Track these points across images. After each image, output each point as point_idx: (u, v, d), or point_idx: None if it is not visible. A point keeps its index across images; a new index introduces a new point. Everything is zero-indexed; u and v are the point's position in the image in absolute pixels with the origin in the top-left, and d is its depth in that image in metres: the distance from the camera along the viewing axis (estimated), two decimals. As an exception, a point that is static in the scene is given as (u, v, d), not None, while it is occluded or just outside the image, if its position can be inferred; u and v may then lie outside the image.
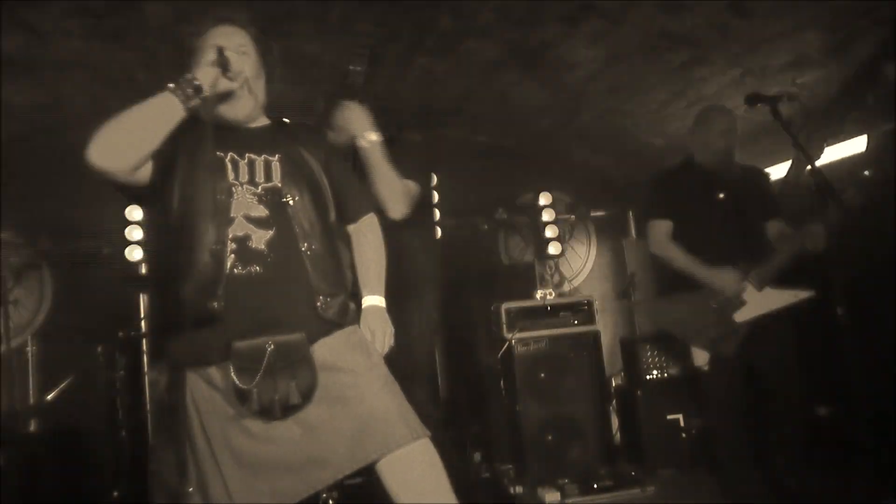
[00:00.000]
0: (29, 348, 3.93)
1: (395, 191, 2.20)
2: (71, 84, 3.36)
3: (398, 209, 2.20)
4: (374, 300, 1.76)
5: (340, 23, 3.07)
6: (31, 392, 3.84)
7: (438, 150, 4.29)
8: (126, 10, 2.77)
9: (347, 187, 1.80)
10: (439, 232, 4.15)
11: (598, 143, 4.75)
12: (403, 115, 4.26)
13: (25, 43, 2.86)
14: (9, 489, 2.88)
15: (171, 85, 1.53)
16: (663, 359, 3.64)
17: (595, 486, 3.14)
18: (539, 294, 3.75)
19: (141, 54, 3.18)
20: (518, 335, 3.56)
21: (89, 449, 3.35)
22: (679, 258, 2.64)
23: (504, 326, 3.57)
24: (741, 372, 2.55)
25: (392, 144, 2.23)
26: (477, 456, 3.75)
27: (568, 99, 4.12)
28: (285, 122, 1.79)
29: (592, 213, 4.87)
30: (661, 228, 2.71)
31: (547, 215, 4.29)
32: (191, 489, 1.55)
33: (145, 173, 1.60)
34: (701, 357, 2.59)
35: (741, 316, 2.53)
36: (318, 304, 1.61)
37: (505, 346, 3.55)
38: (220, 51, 1.57)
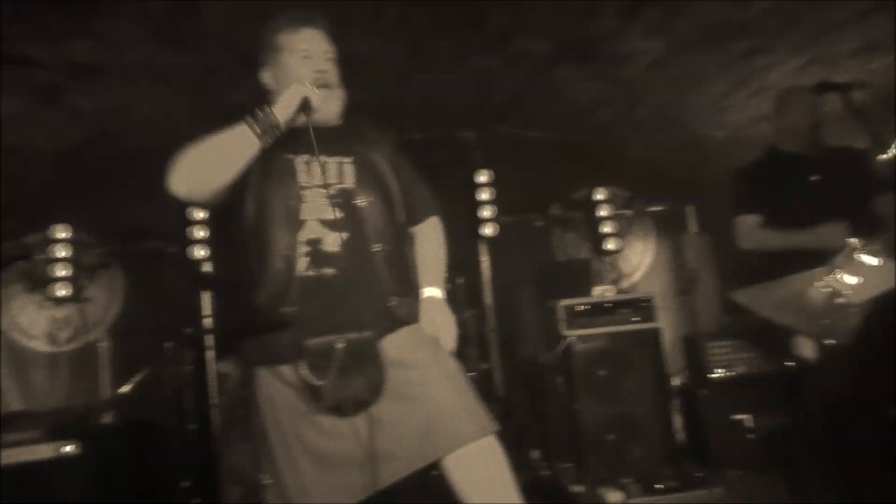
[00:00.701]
0: (102, 344, 4.10)
1: None
2: (136, 89, 3.48)
3: None
4: (432, 292, 1.76)
5: (395, 21, 3.09)
6: (105, 385, 4.02)
7: (492, 146, 4.28)
8: (187, 15, 2.85)
9: (413, 189, 1.81)
10: (496, 228, 4.14)
11: (655, 137, 4.65)
12: (456, 114, 4.28)
13: (93, 49, 2.97)
14: (86, 477, 3.01)
15: (251, 120, 1.54)
16: (728, 357, 3.54)
17: (659, 486, 3.07)
18: (598, 291, 3.69)
19: (201, 58, 3.27)
20: (577, 332, 3.50)
21: (159, 441, 3.48)
22: (774, 237, 2.48)
23: (562, 323, 3.53)
24: (855, 361, 2.28)
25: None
26: (535, 453, 3.72)
27: (624, 92, 4.05)
28: (355, 123, 1.79)
29: (650, 208, 4.76)
30: (750, 222, 2.57)
31: (603, 210, 4.21)
32: (267, 481, 1.58)
33: (223, 193, 1.63)
34: (805, 348, 2.36)
35: (858, 296, 2.27)
36: (391, 304, 1.63)
37: (563, 344, 3.51)
38: (307, 101, 1.58)
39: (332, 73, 1.71)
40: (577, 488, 3.27)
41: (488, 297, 4.01)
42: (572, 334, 3.51)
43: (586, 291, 3.78)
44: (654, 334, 3.58)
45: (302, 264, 1.57)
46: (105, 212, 4.11)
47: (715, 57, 3.45)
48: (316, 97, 1.60)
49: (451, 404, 1.58)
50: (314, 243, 1.59)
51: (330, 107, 1.69)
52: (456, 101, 4.12)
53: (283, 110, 1.56)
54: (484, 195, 4.08)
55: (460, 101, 4.13)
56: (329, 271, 1.58)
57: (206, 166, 1.56)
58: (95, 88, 3.28)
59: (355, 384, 1.54)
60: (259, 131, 1.54)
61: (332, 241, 1.60)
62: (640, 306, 3.61)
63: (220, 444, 2.29)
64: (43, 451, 3.10)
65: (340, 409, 1.55)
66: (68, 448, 3.19)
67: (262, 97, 1.70)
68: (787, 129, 2.61)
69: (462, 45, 3.41)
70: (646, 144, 4.76)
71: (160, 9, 2.74)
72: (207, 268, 3.62)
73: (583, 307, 3.58)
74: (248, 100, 1.63)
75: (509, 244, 4.18)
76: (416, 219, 1.82)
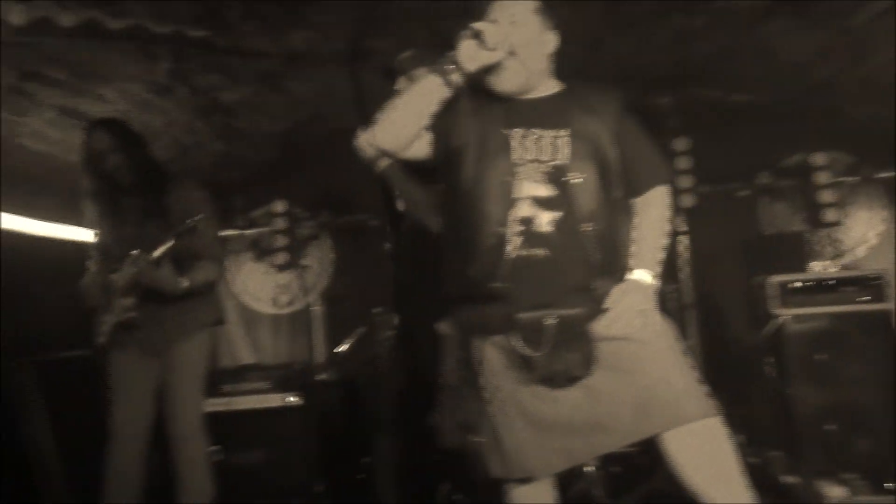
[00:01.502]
0: (316, 307, 4.55)
1: None
2: (343, 73, 3.73)
3: None
4: (638, 273, 1.65)
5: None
6: (318, 345, 4.46)
7: (691, 112, 4.02)
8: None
9: (638, 156, 1.70)
10: (693, 199, 3.91)
11: (886, 94, 4.07)
12: (652, 78, 4.06)
13: (308, 38, 3.23)
14: (305, 425, 3.39)
15: (436, 66, 1.61)
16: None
17: (890, 485, 2.74)
18: (816, 266, 3.34)
19: (400, 40, 3.42)
20: (791, 311, 3.21)
21: (367, 397, 3.80)
22: None
23: (773, 301, 3.25)
24: None
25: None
26: (740, 438, 3.49)
27: (848, 46, 3.58)
28: (575, 88, 1.73)
29: (879, 175, 4.20)
30: None
31: (822, 178, 3.80)
32: (484, 440, 1.65)
33: (422, 149, 1.71)
34: None
35: None
36: (595, 285, 1.60)
37: (774, 324, 3.24)
38: (472, 28, 1.59)
39: (510, 33, 1.61)
40: (790, 479, 3.02)
41: (687, 271, 3.81)
42: (786, 313, 3.22)
43: (799, 267, 3.45)
44: (886, 316, 3.18)
45: (514, 244, 1.58)
46: (317, 188, 4.51)
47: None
48: (492, 32, 1.57)
49: (670, 381, 1.53)
50: (527, 222, 1.59)
51: (513, 72, 1.64)
52: (652, 64, 3.91)
53: (460, 51, 1.59)
54: (682, 164, 3.86)
55: (657, 64, 3.91)
56: (540, 252, 1.58)
57: (399, 117, 1.65)
58: (310, 74, 3.57)
59: (566, 359, 1.54)
60: (442, 73, 1.59)
61: (545, 221, 1.59)
62: (869, 284, 3.22)
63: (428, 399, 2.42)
64: (272, 400, 3.51)
65: (553, 381, 1.56)
66: (292, 399, 3.58)
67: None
68: None
69: (661, 5, 3.21)
70: (875, 103, 4.18)
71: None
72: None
73: (799, 284, 3.26)
74: None
75: (710, 215, 3.93)
76: (638, 189, 1.71)
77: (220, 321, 2.77)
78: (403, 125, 1.65)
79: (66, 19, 2.28)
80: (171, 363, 2.58)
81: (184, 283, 2.49)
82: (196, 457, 2.59)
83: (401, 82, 2.47)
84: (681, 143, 3.93)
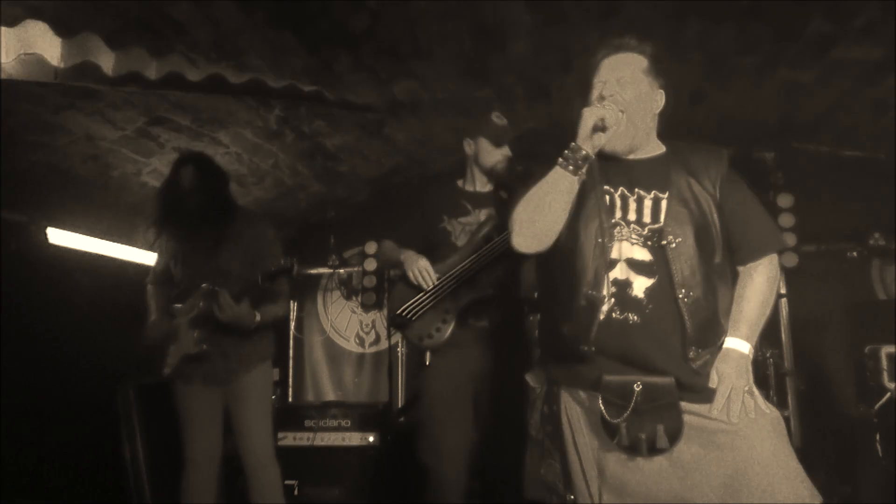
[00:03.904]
0: (401, 349, 4.59)
1: None
2: (442, 120, 3.84)
3: None
4: (734, 343, 1.58)
5: (696, 40, 2.96)
6: (398, 386, 4.50)
7: (797, 167, 3.86)
8: (491, 50, 3.06)
9: (745, 223, 1.63)
10: (796, 259, 3.72)
11: None
12: (756, 132, 3.95)
13: (411, 89, 3.35)
14: (377, 466, 3.42)
15: (561, 160, 1.57)
16: None
17: None
18: (936, 338, 3.10)
19: (499, 89, 3.49)
20: (905, 386, 2.98)
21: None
22: None
23: (885, 374, 3.03)
24: None
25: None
26: (845, 522, 3.23)
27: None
28: (679, 148, 1.70)
29: None
30: None
31: (944, 242, 3.54)
32: (571, 497, 1.62)
33: None
34: None
35: None
36: (691, 354, 1.54)
37: (886, 398, 3.01)
38: (600, 121, 1.55)
39: (619, 97, 1.59)
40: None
41: (786, 336, 3.61)
42: (899, 387, 2.99)
43: (918, 338, 3.19)
44: None
45: (606, 306, 1.55)
46: (403, 227, 4.59)
47: None
48: (610, 115, 1.54)
49: (765, 464, 1.45)
50: (622, 286, 1.56)
51: (621, 132, 1.59)
52: (757, 119, 3.80)
53: (582, 138, 1.55)
54: (785, 221, 3.70)
55: (762, 119, 3.80)
56: (633, 317, 1.54)
57: (536, 218, 1.60)
58: (409, 122, 3.69)
59: (650, 427, 1.50)
60: (571, 167, 1.55)
61: (640, 286, 1.55)
62: None
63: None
64: (353, 439, 3.57)
65: (636, 449, 1.51)
66: (371, 439, 3.62)
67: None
68: None
69: (770, 58, 3.14)
70: None
71: (470, 47, 2.98)
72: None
73: (915, 356, 3.03)
74: (538, 127, 1.66)
75: (815, 277, 3.73)
76: (745, 258, 1.64)
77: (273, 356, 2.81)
78: (544, 228, 1.59)
79: (194, 74, 2.47)
80: (236, 394, 2.63)
81: (257, 318, 2.55)
82: (270, 484, 2.63)
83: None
84: (784, 200, 3.77)
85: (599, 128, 1.55)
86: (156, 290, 2.77)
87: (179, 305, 2.60)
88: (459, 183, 2.69)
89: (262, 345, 2.69)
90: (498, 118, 2.60)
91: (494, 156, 2.57)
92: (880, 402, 3.03)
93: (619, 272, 1.57)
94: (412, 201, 2.77)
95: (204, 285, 2.52)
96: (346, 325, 4.92)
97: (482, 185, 2.63)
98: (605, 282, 1.55)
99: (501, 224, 2.43)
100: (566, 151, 1.57)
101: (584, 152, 1.55)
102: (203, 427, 2.64)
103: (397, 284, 2.55)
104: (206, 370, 2.60)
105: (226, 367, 2.61)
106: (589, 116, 1.55)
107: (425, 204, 2.66)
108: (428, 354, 2.41)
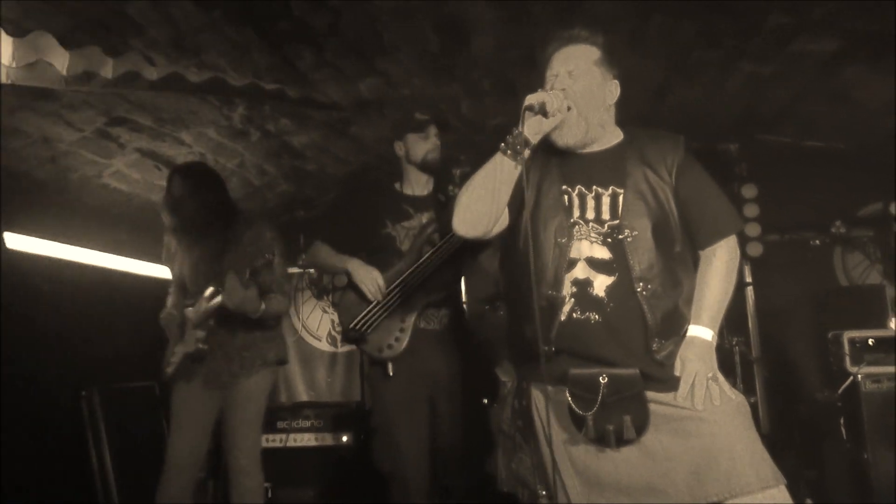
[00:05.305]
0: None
1: None
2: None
3: None
4: (697, 331, 1.59)
5: (659, 35, 2.99)
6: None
7: (760, 158, 3.92)
8: (457, 47, 3.06)
9: (702, 207, 1.63)
10: (761, 248, 3.79)
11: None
12: (720, 124, 4.00)
13: (378, 86, 3.33)
14: (348, 465, 3.35)
15: (502, 145, 1.57)
16: None
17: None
18: (894, 322, 3.18)
19: (466, 86, 3.48)
20: (866, 370, 3.06)
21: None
22: None
23: (847, 358, 3.10)
24: None
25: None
26: (808, 502, 3.30)
27: (929, 92, 3.44)
28: (636, 137, 1.68)
29: (964, 227, 3.98)
30: None
31: (902, 229, 3.63)
32: (542, 493, 1.63)
33: (505, 221, 1.67)
34: None
35: None
36: (654, 346, 1.55)
37: (848, 382, 3.08)
38: (541, 105, 1.54)
39: (571, 89, 1.59)
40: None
41: (752, 324, 3.68)
42: (860, 372, 3.06)
43: (878, 323, 3.29)
44: (976, 380, 2.98)
45: (567, 306, 1.56)
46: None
47: None
48: (551, 100, 1.53)
49: (731, 449, 1.47)
50: (582, 285, 1.56)
51: (572, 126, 1.59)
52: (720, 112, 3.85)
53: (524, 124, 1.55)
54: (749, 211, 3.76)
55: (726, 112, 3.85)
56: (594, 317, 1.55)
57: (475, 203, 1.60)
58: (376, 120, 3.67)
59: (617, 419, 1.51)
60: (510, 152, 1.55)
61: (600, 285, 1.56)
62: (954, 344, 3.03)
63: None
64: (327, 439, 3.55)
65: (604, 440, 1.53)
66: (345, 438, 3.60)
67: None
68: None
69: (731, 52, 3.18)
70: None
71: (435, 44, 2.97)
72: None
73: (874, 341, 3.11)
74: (507, 123, 1.67)
75: (779, 266, 3.80)
76: (703, 242, 1.65)
77: (283, 360, 2.83)
78: (483, 212, 1.60)
79: (152, 73, 2.43)
80: (234, 398, 2.64)
81: (262, 306, 2.57)
82: (251, 491, 2.64)
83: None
84: (749, 191, 3.83)
85: (540, 111, 1.53)
86: (175, 290, 2.83)
87: (189, 308, 2.63)
88: (397, 186, 2.70)
89: (266, 349, 2.71)
90: (420, 115, 2.65)
91: (424, 146, 2.62)
92: (843, 386, 3.10)
93: (579, 272, 1.57)
94: (348, 205, 2.77)
95: (211, 288, 2.55)
96: (317, 324, 4.89)
97: (421, 188, 2.66)
98: (566, 282, 1.56)
99: (443, 227, 2.45)
100: (507, 136, 1.57)
101: (522, 137, 1.54)
102: (193, 429, 2.65)
103: (346, 294, 2.53)
104: (209, 371, 2.63)
105: (228, 369, 2.63)
106: (530, 101, 1.54)
107: (366, 208, 2.65)
108: (390, 365, 2.41)
